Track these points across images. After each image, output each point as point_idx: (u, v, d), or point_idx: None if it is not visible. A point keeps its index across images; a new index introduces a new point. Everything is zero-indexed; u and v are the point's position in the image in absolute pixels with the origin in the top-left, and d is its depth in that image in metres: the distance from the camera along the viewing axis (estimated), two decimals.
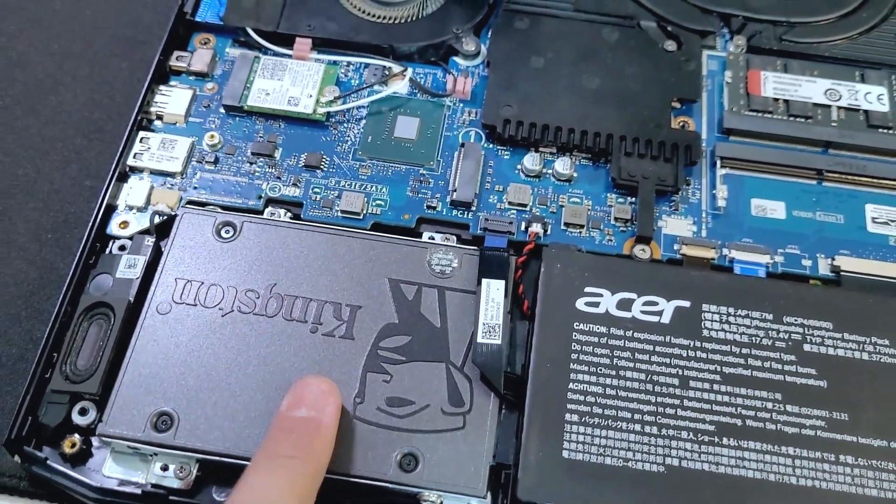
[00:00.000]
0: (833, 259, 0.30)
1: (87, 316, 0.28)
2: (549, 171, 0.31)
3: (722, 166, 0.32)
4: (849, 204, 0.31)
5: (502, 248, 0.29)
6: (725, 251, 0.30)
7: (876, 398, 0.27)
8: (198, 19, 0.34)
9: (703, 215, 0.31)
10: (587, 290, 0.28)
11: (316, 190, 0.31)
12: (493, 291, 0.28)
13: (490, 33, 0.34)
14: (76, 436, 0.26)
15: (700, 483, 0.25)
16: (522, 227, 0.30)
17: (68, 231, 0.32)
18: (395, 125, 0.32)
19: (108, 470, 0.26)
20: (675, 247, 0.30)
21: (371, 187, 0.31)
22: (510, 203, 0.31)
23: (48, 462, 0.26)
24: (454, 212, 0.30)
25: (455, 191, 0.30)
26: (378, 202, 0.31)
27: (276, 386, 0.26)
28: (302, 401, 0.24)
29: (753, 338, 0.27)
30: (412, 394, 0.26)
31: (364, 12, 0.35)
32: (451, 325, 0.28)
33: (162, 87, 0.33)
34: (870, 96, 0.33)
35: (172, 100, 0.32)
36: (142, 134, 0.32)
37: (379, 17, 0.34)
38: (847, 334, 0.28)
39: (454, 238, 0.30)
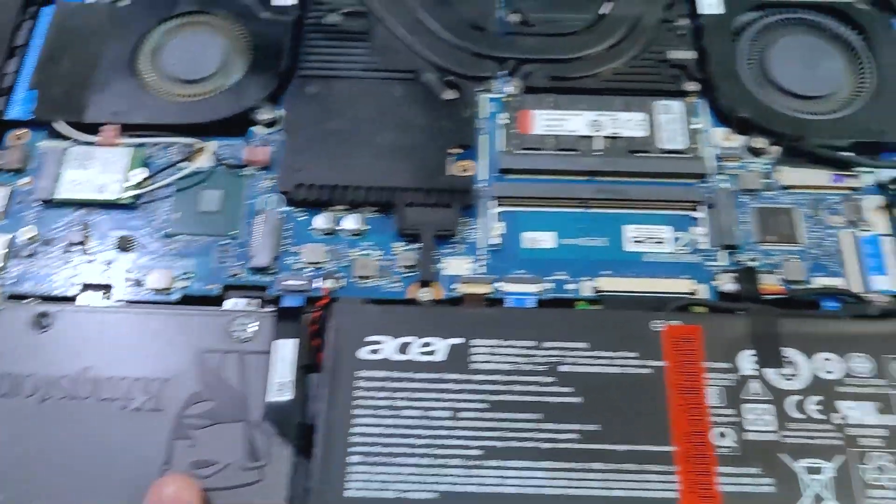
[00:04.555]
0: (595, 280, 0.34)
1: None
2: (342, 229, 0.35)
3: (499, 204, 0.35)
4: (611, 227, 0.35)
5: (298, 306, 0.33)
6: (500, 285, 0.33)
7: (624, 407, 0.30)
8: (10, 117, 0.37)
9: (482, 253, 0.34)
10: (369, 339, 0.31)
11: (128, 271, 0.34)
12: (283, 351, 0.31)
13: (285, 101, 0.38)
14: None
15: (467, 503, 0.29)
16: (318, 284, 0.33)
17: None
18: (200, 199, 0.35)
19: None
20: (454, 286, 0.33)
21: (179, 262, 0.34)
22: (307, 262, 0.34)
23: None
24: (255, 276, 0.34)
25: (253, 257, 0.34)
26: (186, 275, 0.34)
27: (92, 469, 0.29)
28: None
29: (517, 365, 0.31)
30: (215, 455, 0.30)
31: (166, 93, 0.37)
32: (250, 386, 0.31)
33: None
34: (631, 123, 0.37)
35: None
36: None
37: (181, 97, 0.37)
38: (601, 351, 0.31)
39: (257, 302, 0.33)
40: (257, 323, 0.32)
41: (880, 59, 0.38)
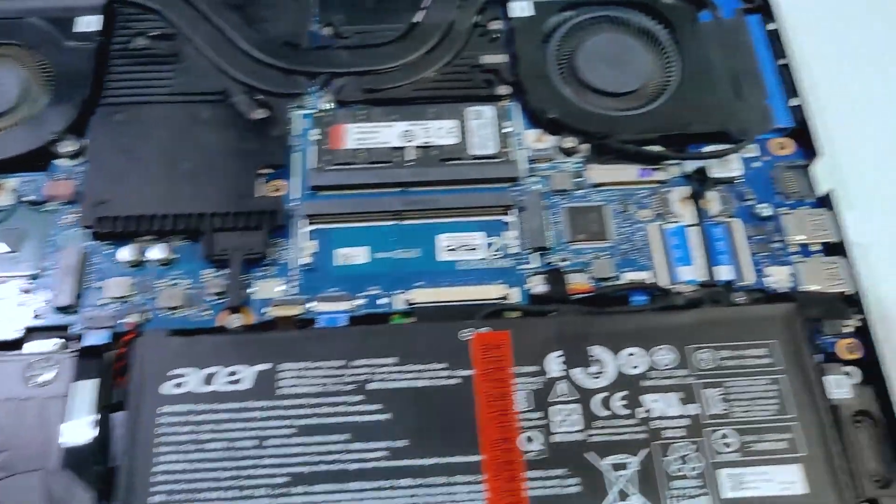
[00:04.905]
0: (408, 293, 0.34)
1: None
2: (148, 259, 0.34)
3: (311, 223, 0.35)
4: (425, 237, 0.35)
5: (103, 344, 0.32)
6: (311, 305, 0.33)
7: (433, 420, 0.31)
8: None
9: (294, 274, 0.34)
10: (173, 372, 0.31)
11: None
12: (83, 392, 0.30)
13: (90, 131, 0.37)
14: None
15: None
16: (123, 321, 0.33)
17: None
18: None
19: None
20: (265, 310, 0.33)
21: None
22: (112, 297, 0.33)
23: None
24: (58, 316, 0.33)
25: (56, 295, 0.33)
26: None
27: None
28: None
29: (324, 386, 0.31)
30: None
31: None
32: (50, 432, 0.30)
33: None
34: (442, 131, 0.37)
35: None
36: None
37: None
38: (410, 365, 0.31)
39: (61, 343, 0.32)
40: (56, 366, 0.31)
41: (685, 51, 0.39)
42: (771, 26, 0.41)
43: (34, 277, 0.34)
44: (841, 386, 0.32)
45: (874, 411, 0.32)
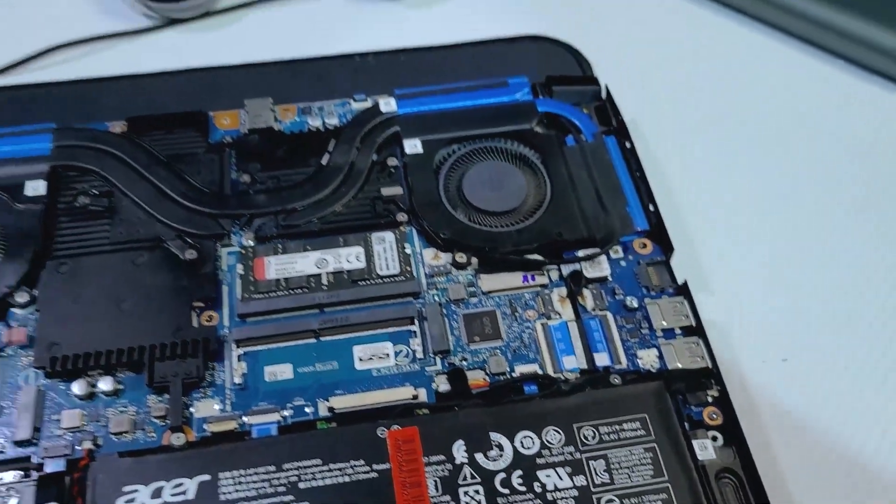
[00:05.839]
0: (329, 400, 0.39)
1: None
2: (98, 391, 0.38)
3: (239, 347, 0.40)
4: (341, 351, 0.40)
5: (61, 471, 0.36)
6: (245, 419, 0.38)
7: None
8: None
9: (228, 393, 0.39)
10: (125, 489, 0.35)
11: None
12: None
13: (40, 282, 0.41)
14: None
15: None
16: (79, 447, 0.37)
17: None
18: None
19: None
20: (205, 426, 0.38)
21: None
22: (67, 428, 0.37)
23: None
24: (20, 449, 0.37)
25: (15, 430, 0.37)
26: None
27: None
28: None
29: (260, 490, 0.35)
30: None
31: None
32: None
33: None
34: (350, 257, 0.43)
35: None
36: None
37: None
38: (334, 464, 0.36)
39: (20, 473, 0.36)
40: (18, 495, 0.35)
41: (554, 172, 0.46)
42: (627, 144, 0.48)
43: None
44: (706, 448, 0.38)
45: (736, 468, 0.37)
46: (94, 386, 0.38)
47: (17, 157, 0.45)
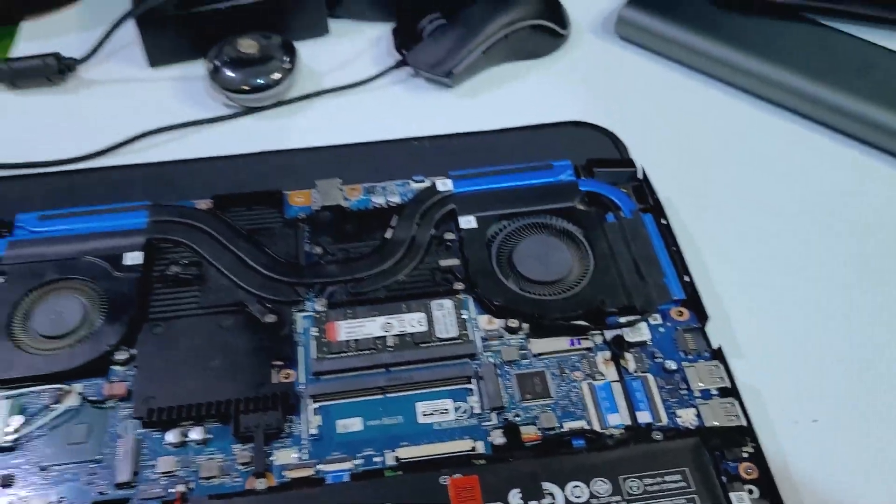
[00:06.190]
0: (395, 451, 0.42)
1: None
2: (189, 440, 0.43)
3: (314, 402, 0.44)
4: (406, 407, 0.44)
5: None
6: (320, 467, 0.42)
7: None
8: None
9: (305, 443, 0.43)
10: None
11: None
12: None
13: (137, 342, 0.46)
14: None
15: None
16: (172, 490, 0.41)
17: None
18: (69, 433, 0.43)
19: None
20: (284, 473, 0.42)
21: (54, 489, 0.41)
22: (161, 473, 0.42)
23: None
24: (120, 491, 0.41)
25: (117, 474, 0.41)
26: (61, 500, 0.41)
27: None
28: None
29: None
30: None
31: (37, 349, 0.46)
32: None
33: None
34: (413, 321, 0.47)
35: None
36: None
37: (50, 350, 0.46)
38: None
39: None
40: None
41: (596, 246, 0.50)
42: (662, 221, 0.53)
43: (98, 462, 0.42)
44: (742, 500, 0.41)
45: None
46: (185, 435, 0.43)
47: (116, 230, 0.51)
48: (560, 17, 0.67)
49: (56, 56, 0.63)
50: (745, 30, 0.65)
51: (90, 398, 0.44)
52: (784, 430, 0.46)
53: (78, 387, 0.44)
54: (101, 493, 0.41)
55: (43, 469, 0.42)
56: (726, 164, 0.59)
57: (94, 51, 0.63)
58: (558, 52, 0.68)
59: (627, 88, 0.65)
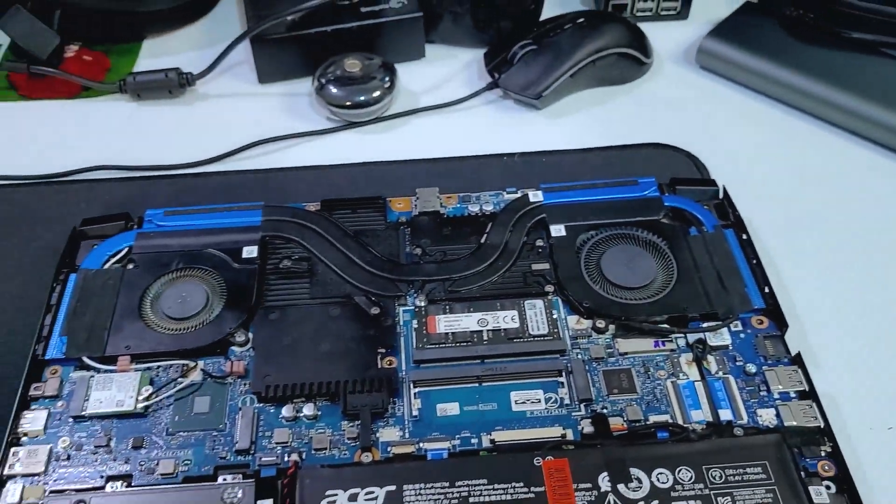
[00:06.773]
0: (491, 434, 0.46)
1: None
2: (301, 415, 0.46)
3: (415, 387, 0.48)
4: (500, 395, 0.47)
5: (273, 476, 0.44)
6: (421, 445, 0.45)
7: None
8: (48, 357, 0.49)
9: (406, 423, 0.46)
10: (328, 493, 0.42)
11: (141, 463, 0.45)
12: None
13: (252, 326, 0.51)
14: None
15: None
16: (287, 458, 0.45)
17: None
18: (193, 404, 0.47)
19: None
20: (389, 449, 0.45)
21: (181, 452, 0.45)
22: (277, 443, 0.45)
23: None
24: (239, 457, 0.45)
25: (237, 442, 0.45)
26: (186, 462, 0.45)
27: None
28: None
29: (437, 500, 0.42)
30: None
31: (165, 329, 0.50)
32: None
33: (25, 413, 0.46)
34: (506, 318, 0.50)
35: (33, 420, 0.46)
36: (13, 449, 0.45)
37: (176, 330, 0.50)
38: (498, 484, 0.43)
39: (240, 476, 0.44)
40: (241, 490, 0.43)
41: (680, 257, 0.53)
42: (743, 236, 0.55)
43: (220, 431, 0.46)
44: (821, 494, 0.43)
45: None
46: (298, 411, 0.47)
47: (234, 227, 0.55)
48: (644, 46, 0.71)
49: (177, 71, 0.68)
50: (824, 61, 0.67)
51: (212, 374, 0.48)
52: (859, 436, 0.48)
53: (200, 363, 0.49)
54: (222, 458, 0.45)
55: (169, 434, 0.46)
56: (803, 186, 0.62)
57: (211, 67, 0.69)
58: (641, 79, 0.71)
59: (707, 115, 0.68)
